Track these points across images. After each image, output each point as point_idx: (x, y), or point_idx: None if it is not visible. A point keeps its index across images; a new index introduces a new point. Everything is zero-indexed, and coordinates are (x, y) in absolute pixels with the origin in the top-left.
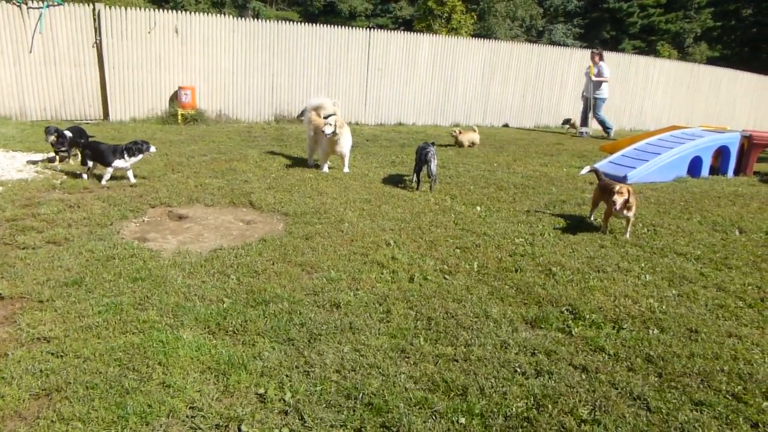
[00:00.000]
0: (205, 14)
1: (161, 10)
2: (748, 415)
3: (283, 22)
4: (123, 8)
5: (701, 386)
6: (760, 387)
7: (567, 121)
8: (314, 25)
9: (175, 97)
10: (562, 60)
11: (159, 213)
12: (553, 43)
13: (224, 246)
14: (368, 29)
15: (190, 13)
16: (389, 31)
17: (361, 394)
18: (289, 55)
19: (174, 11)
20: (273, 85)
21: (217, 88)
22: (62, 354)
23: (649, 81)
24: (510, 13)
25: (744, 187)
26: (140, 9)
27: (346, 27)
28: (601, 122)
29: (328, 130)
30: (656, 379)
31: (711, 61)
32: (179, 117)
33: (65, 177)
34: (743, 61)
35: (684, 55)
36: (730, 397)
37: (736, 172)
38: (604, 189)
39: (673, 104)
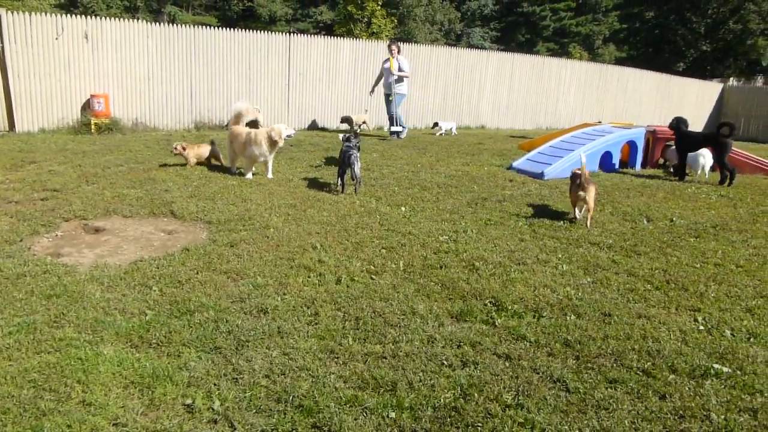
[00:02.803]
0: (117, 19)
1: (69, 15)
2: (657, 388)
3: (201, 26)
4: (27, 13)
5: (615, 365)
6: (667, 362)
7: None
8: (233, 29)
9: (87, 106)
10: (480, 62)
11: (73, 227)
12: (471, 46)
13: (145, 257)
14: (288, 34)
15: (101, 18)
16: (310, 35)
17: (291, 397)
18: (207, 61)
19: (83, 16)
20: (192, 91)
21: (133, 95)
22: None
23: (562, 82)
24: (429, 18)
25: (650, 178)
26: (46, 14)
27: (266, 32)
28: (392, 118)
29: (290, 131)
30: (574, 361)
31: (619, 62)
32: (93, 126)
33: None
34: (648, 61)
35: (594, 56)
36: (640, 373)
37: (643, 165)
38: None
39: (585, 103)
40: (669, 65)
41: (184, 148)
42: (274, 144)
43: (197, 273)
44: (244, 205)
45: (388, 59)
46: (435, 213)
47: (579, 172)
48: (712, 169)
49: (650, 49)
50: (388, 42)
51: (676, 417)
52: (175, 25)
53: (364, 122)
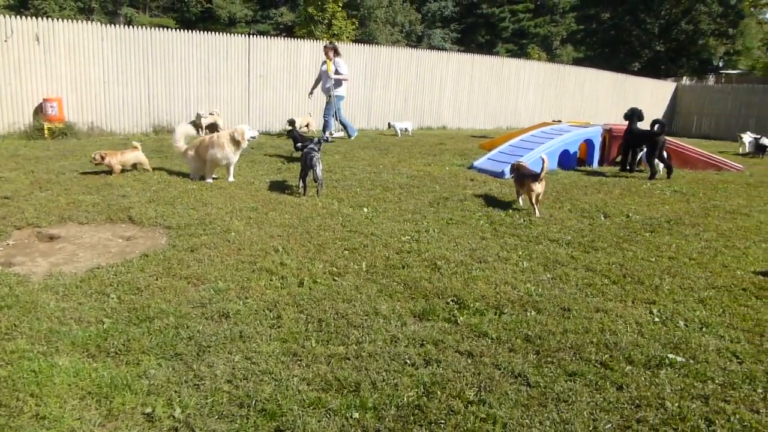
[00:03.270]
0: (71, 21)
1: (19, 16)
2: (614, 379)
3: (158, 28)
4: None
5: (574, 358)
6: (623, 353)
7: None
8: (192, 31)
9: (40, 110)
10: (440, 63)
11: (26, 235)
12: (432, 47)
13: (102, 264)
14: (248, 35)
15: (53, 19)
16: (270, 37)
17: (254, 401)
18: (165, 63)
19: (34, 18)
20: (150, 94)
21: (88, 99)
22: None
23: (521, 82)
24: (390, 19)
25: (607, 176)
26: None
27: (226, 33)
28: (327, 123)
29: (253, 133)
30: (534, 356)
31: (576, 62)
32: (46, 131)
33: None
34: (604, 61)
35: (552, 57)
36: (598, 366)
37: (600, 163)
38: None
39: (544, 103)
40: (625, 65)
41: (103, 157)
42: (237, 144)
43: (157, 279)
44: (204, 209)
45: (325, 62)
46: (397, 213)
47: (522, 163)
48: (639, 163)
49: (606, 49)
50: (324, 44)
51: (632, 406)
52: (131, 26)
53: (308, 124)
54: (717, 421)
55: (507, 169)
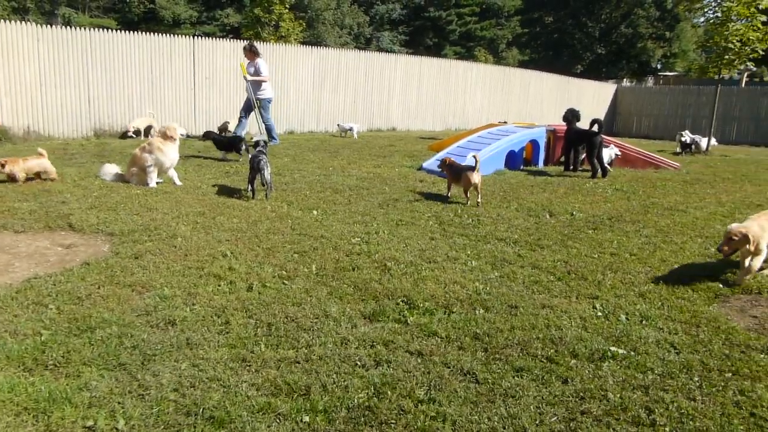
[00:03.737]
0: (4, 21)
1: None
2: (560, 373)
3: (98, 29)
4: None
5: (521, 354)
6: (568, 348)
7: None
8: (134, 32)
9: None
10: (389, 65)
11: None
12: (381, 49)
13: (40, 274)
14: (193, 37)
15: None
16: (216, 38)
17: (201, 409)
18: (107, 65)
19: None
20: (90, 97)
21: (23, 102)
22: None
23: (469, 84)
24: (338, 21)
25: (552, 175)
26: None
27: (170, 35)
28: (268, 129)
29: (182, 131)
30: (483, 353)
31: (522, 65)
32: None
33: None
34: (548, 64)
35: (499, 60)
36: (545, 360)
37: (545, 162)
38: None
39: (491, 104)
40: (568, 67)
41: (3, 165)
42: (171, 140)
43: (99, 287)
44: (149, 214)
45: (241, 64)
46: (347, 215)
47: (452, 159)
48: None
49: (550, 52)
50: (244, 45)
51: (577, 399)
52: (69, 27)
53: (149, 127)
54: (656, 410)
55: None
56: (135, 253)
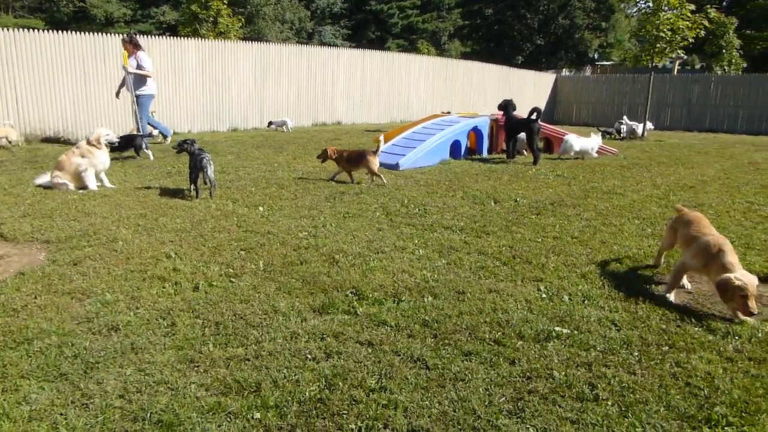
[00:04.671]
0: None
1: None
2: (507, 355)
3: (22, 30)
4: None
5: (469, 338)
6: (515, 330)
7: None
8: (63, 32)
9: None
10: (332, 60)
11: None
12: (323, 44)
13: None
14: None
15: None
16: (151, 36)
17: (149, 414)
18: (34, 67)
19: None
20: (17, 100)
21: None
22: None
23: (412, 76)
24: (279, 16)
25: (496, 163)
26: None
27: (101, 34)
28: (147, 125)
29: (112, 137)
30: (432, 340)
31: (464, 56)
32: None
33: None
34: (490, 55)
35: (441, 52)
36: (492, 343)
37: (489, 151)
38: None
39: (435, 95)
40: (509, 58)
41: None
42: (95, 146)
43: (35, 297)
44: (87, 219)
45: (123, 56)
46: (294, 210)
47: (337, 149)
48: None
49: (491, 43)
50: (122, 37)
51: (524, 379)
52: None
53: (7, 137)
54: (599, 385)
55: (401, 161)
56: (73, 259)
